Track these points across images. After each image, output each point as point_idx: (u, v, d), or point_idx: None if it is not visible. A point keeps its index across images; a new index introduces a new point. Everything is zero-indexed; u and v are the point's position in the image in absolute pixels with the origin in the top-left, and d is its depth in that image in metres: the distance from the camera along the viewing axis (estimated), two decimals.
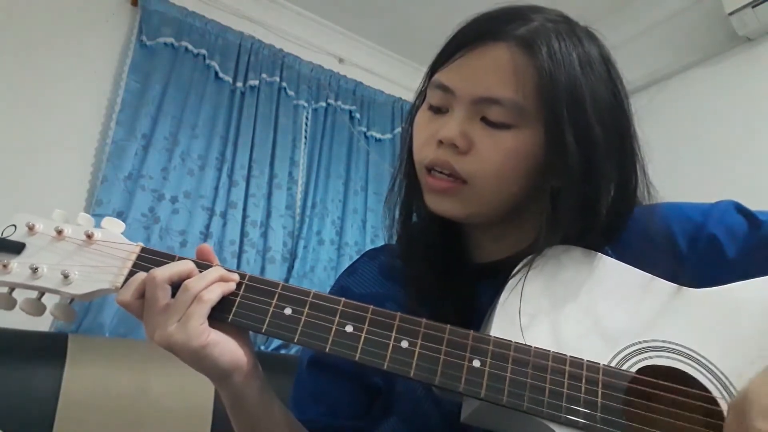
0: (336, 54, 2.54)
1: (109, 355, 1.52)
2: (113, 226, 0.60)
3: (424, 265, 0.65)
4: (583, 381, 0.48)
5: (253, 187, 2.11)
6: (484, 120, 0.57)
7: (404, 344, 0.51)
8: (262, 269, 2.07)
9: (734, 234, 0.58)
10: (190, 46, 2.08)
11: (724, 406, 0.46)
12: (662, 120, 2.08)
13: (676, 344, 0.51)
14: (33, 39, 1.85)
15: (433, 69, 0.62)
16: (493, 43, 0.57)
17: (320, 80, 2.42)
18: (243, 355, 0.55)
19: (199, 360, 0.52)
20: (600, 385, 0.48)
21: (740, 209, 0.61)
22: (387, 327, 0.52)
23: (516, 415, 0.48)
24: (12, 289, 0.57)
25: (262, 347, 1.98)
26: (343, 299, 0.54)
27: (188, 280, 0.53)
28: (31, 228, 0.58)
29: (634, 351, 0.51)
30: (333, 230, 2.30)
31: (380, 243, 0.81)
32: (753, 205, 0.62)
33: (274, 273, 2.06)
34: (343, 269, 0.77)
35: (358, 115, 2.50)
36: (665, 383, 0.48)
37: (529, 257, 0.56)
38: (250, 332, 0.57)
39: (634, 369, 0.49)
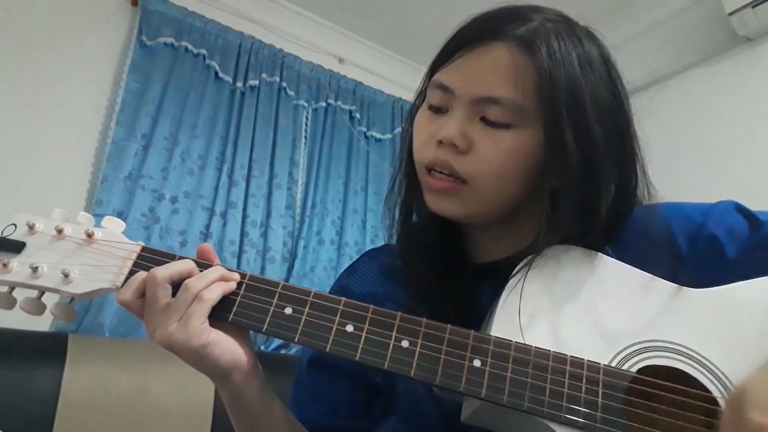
0: (336, 54, 2.54)
1: (109, 355, 1.52)
2: (114, 226, 0.60)
3: (424, 264, 0.65)
4: (584, 381, 0.48)
5: (253, 187, 2.11)
6: (484, 120, 0.57)
7: (405, 344, 0.51)
8: (262, 269, 2.07)
9: (734, 234, 0.58)
10: (190, 46, 2.08)
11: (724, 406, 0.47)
12: (662, 120, 2.08)
13: (677, 344, 0.51)
14: (33, 39, 1.85)
15: (433, 69, 0.62)
16: (493, 43, 0.57)
17: (320, 80, 2.42)
18: (243, 355, 0.55)
19: (199, 359, 0.52)
20: (600, 385, 0.48)
21: (740, 209, 0.61)
22: (387, 327, 0.52)
23: (516, 414, 0.48)
24: (12, 288, 0.57)
25: (262, 347, 1.98)
26: (343, 299, 0.54)
27: (189, 280, 0.53)
28: (31, 227, 0.58)
29: (635, 351, 0.51)
30: (333, 230, 2.30)
31: (380, 243, 0.81)
32: (753, 205, 0.62)
33: (274, 273, 2.06)
34: (343, 269, 0.77)
35: (358, 115, 2.50)
36: (666, 383, 0.48)
37: (529, 257, 0.56)
38: (251, 332, 0.57)
39: (634, 369, 0.49)
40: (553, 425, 0.47)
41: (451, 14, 0.66)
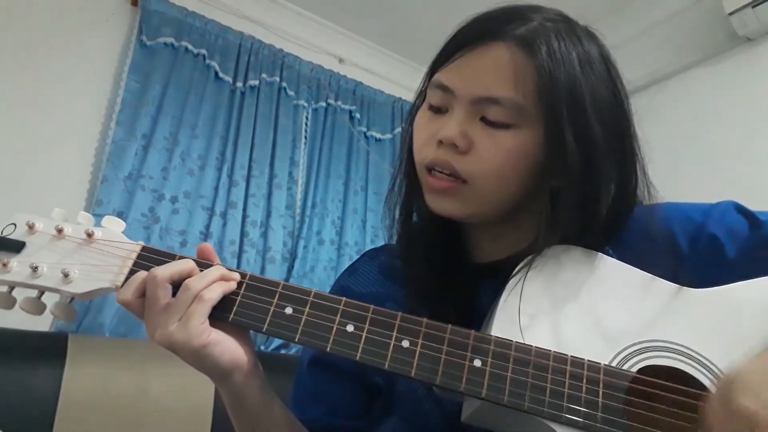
0: (336, 54, 2.54)
1: (109, 355, 1.52)
2: (114, 225, 0.60)
3: (424, 264, 0.65)
4: (584, 381, 0.48)
5: (253, 187, 2.11)
6: (484, 120, 0.57)
7: (405, 344, 0.51)
8: (262, 269, 2.07)
9: (734, 234, 0.58)
10: (190, 46, 2.08)
11: None
12: (662, 120, 2.08)
13: (677, 344, 0.51)
14: (33, 39, 1.85)
15: (433, 69, 0.62)
16: (493, 43, 0.57)
17: (320, 80, 2.42)
18: (243, 355, 0.55)
19: (199, 359, 0.52)
20: (601, 385, 0.48)
21: (740, 209, 0.61)
22: (388, 327, 0.52)
23: (517, 414, 0.48)
24: (12, 288, 0.57)
25: (262, 347, 1.98)
26: (344, 299, 0.54)
27: (189, 279, 0.53)
28: (31, 227, 0.58)
29: (635, 351, 0.51)
30: (333, 230, 2.30)
31: (380, 243, 0.81)
32: (753, 205, 0.62)
33: (274, 273, 2.06)
34: (343, 269, 0.77)
35: (358, 115, 2.50)
36: (666, 383, 0.48)
37: (529, 257, 0.56)
38: (251, 331, 0.57)
39: (634, 369, 0.49)
40: (553, 425, 0.47)
41: (451, 14, 0.66)
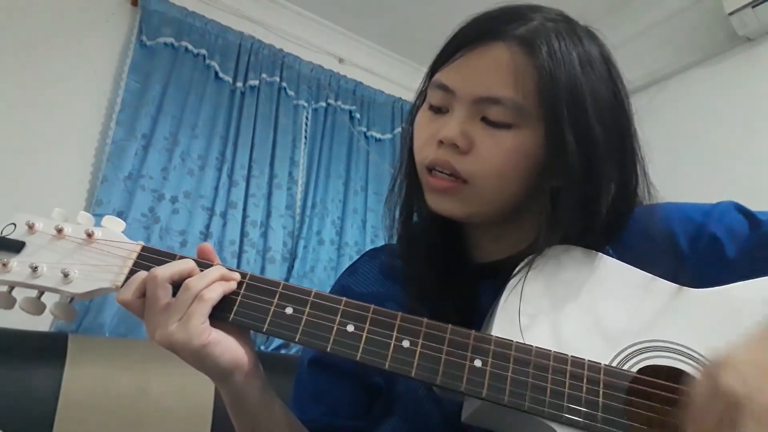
0: (336, 54, 2.54)
1: (109, 355, 1.52)
2: (114, 225, 0.60)
3: (424, 264, 0.65)
4: (585, 381, 0.48)
5: (253, 187, 2.11)
6: (485, 120, 0.57)
7: (406, 344, 0.51)
8: (262, 269, 2.07)
9: (735, 234, 0.58)
10: (190, 46, 2.08)
11: None
12: (662, 120, 2.08)
13: (677, 344, 0.50)
14: (33, 39, 1.85)
15: (434, 69, 0.62)
16: (493, 43, 0.57)
17: (320, 80, 2.42)
18: (244, 355, 0.55)
19: (200, 359, 0.52)
20: (601, 385, 0.48)
21: (740, 209, 0.61)
22: (388, 326, 0.52)
23: (517, 414, 0.48)
24: (11, 288, 0.57)
25: (262, 347, 1.98)
26: (344, 299, 0.54)
27: (189, 279, 0.53)
28: (30, 227, 0.58)
29: (635, 351, 0.51)
30: (333, 230, 2.30)
31: (380, 243, 0.81)
32: (753, 205, 0.62)
33: (274, 273, 2.06)
34: (344, 269, 0.77)
35: (358, 115, 2.50)
36: (666, 383, 0.48)
37: (530, 257, 0.56)
38: (251, 331, 0.57)
39: (635, 369, 0.49)
40: (553, 425, 0.47)
41: (451, 14, 0.66)
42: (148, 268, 0.54)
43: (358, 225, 2.38)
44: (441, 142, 0.58)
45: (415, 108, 0.66)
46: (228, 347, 0.53)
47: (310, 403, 0.68)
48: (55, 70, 1.87)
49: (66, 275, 0.55)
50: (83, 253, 0.57)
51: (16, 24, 1.82)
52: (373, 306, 0.53)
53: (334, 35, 2.54)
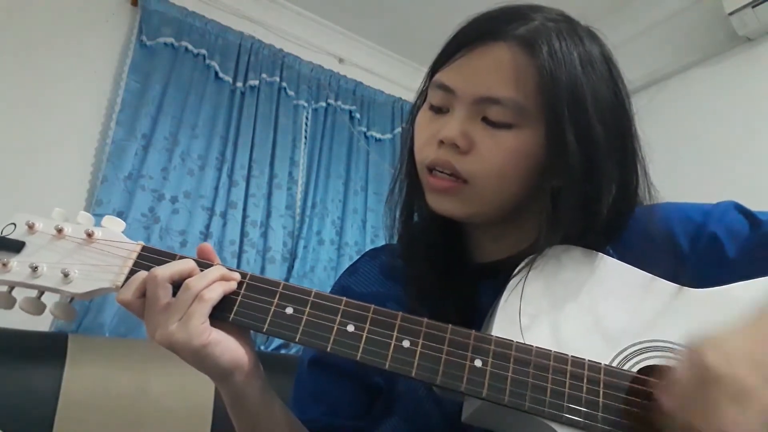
0: (336, 54, 2.54)
1: (109, 355, 1.52)
2: (114, 225, 0.60)
3: (425, 264, 0.65)
4: (585, 381, 0.48)
5: (253, 187, 2.11)
6: (485, 120, 0.57)
7: (406, 344, 0.51)
8: (262, 269, 2.07)
9: (735, 233, 0.58)
10: (190, 46, 2.08)
11: None
12: (662, 120, 2.08)
13: (677, 344, 0.50)
14: (33, 39, 1.85)
15: (434, 69, 0.62)
16: (494, 43, 0.57)
17: (320, 80, 2.42)
18: (244, 355, 0.55)
19: (200, 359, 0.52)
20: (601, 385, 0.48)
21: (740, 209, 0.61)
22: (388, 326, 0.52)
23: (517, 414, 0.48)
24: (11, 288, 0.57)
25: (262, 347, 1.98)
26: (344, 299, 0.54)
27: (189, 279, 0.53)
28: (30, 227, 0.58)
29: (635, 351, 0.51)
30: (333, 230, 2.30)
31: (380, 243, 0.81)
32: (753, 205, 0.62)
33: (274, 273, 2.06)
34: (344, 269, 0.77)
35: (358, 115, 2.50)
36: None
37: (530, 257, 0.56)
38: (251, 331, 0.57)
39: (635, 369, 0.49)
40: (554, 425, 0.47)
41: (451, 14, 0.66)
42: (148, 268, 0.54)
43: (358, 225, 2.38)
44: (441, 142, 0.58)
45: (415, 108, 0.66)
46: (228, 347, 0.53)
47: (310, 403, 0.68)
48: (55, 70, 1.87)
49: (66, 275, 0.55)
50: (83, 253, 0.57)
51: (16, 24, 1.82)
52: (373, 306, 0.53)
53: (334, 35, 2.54)
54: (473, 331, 0.51)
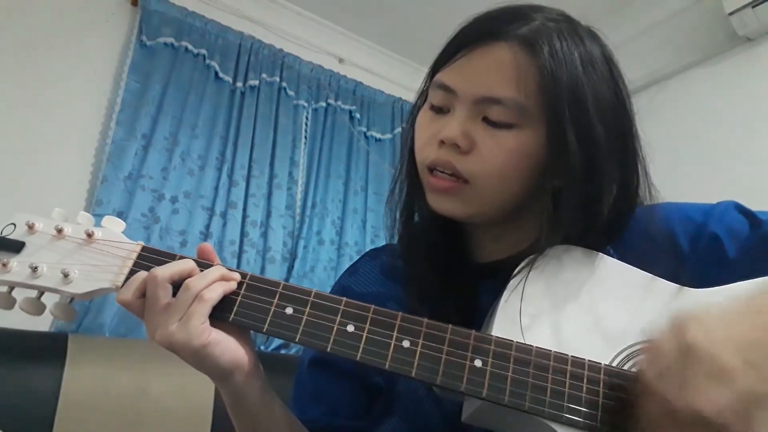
0: (336, 54, 2.54)
1: (109, 355, 1.52)
2: (114, 225, 0.60)
3: (425, 264, 0.65)
4: (585, 381, 0.48)
5: (253, 187, 2.11)
6: (486, 120, 0.57)
7: (406, 344, 0.51)
8: (262, 269, 2.07)
9: (735, 233, 0.58)
10: (190, 46, 2.08)
11: None
12: (662, 120, 2.08)
13: None
14: (33, 39, 1.85)
15: (435, 69, 0.62)
16: (495, 43, 0.57)
17: (320, 80, 2.42)
18: (244, 355, 0.55)
19: (200, 359, 0.52)
20: (602, 385, 0.48)
21: (741, 209, 0.61)
22: (388, 327, 0.52)
23: (517, 414, 0.48)
24: (11, 288, 0.57)
25: (262, 347, 1.98)
26: (344, 299, 0.54)
27: (189, 279, 0.53)
28: (30, 227, 0.58)
29: (636, 351, 0.51)
30: (333, 230, 2.30)
31: (380, 243, 0.81)
32: (753, 205, 0.62)
33: (274, 273, 2.06)
34: (344, 269, 0.77)
35: (358, 115, 2.50)
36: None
37: (531, 257, 0.56)
38: (251, 331, 0.57)
39: (635, 369, 0.49)
40: (554, 425, 0.47)
41: (451, 14, 0.66)
42: (148, 268, 0.54)
43: (358, 225, 2.38)
44: (442, 142, 0.58)
45: (416, 108, 0.66)
46: (228, 347, 0.53)
47: (310, 403, 0.67)
48: (55, 70, 1.87)
49: (66, 275, 0.55)
50: (83, 253, 0.57)
51: (16, 24, 1.82)
52: (373, 306, 0.53)
53: (334, 35, 2.54)
54: (473, 331, 0.51)
